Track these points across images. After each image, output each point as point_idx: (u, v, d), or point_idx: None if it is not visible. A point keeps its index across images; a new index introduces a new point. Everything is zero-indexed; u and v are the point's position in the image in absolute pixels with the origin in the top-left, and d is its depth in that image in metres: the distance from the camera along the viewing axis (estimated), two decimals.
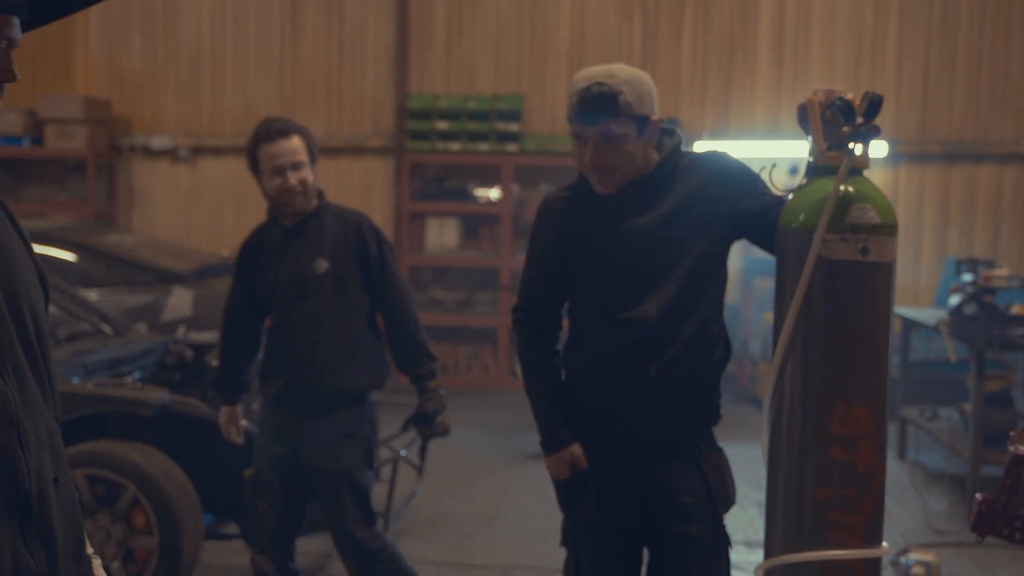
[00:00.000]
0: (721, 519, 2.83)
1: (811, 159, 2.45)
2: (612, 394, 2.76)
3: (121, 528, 4.09)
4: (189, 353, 5.08)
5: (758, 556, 4.91)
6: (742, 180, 2.74)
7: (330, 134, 9.37)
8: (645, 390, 2.73)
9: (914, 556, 4.68)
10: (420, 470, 5.21)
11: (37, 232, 6.94)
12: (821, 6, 8.98)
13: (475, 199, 9.14)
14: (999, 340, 5.56)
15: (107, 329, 5.19)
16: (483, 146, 9.02)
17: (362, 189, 9.49)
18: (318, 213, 3.65)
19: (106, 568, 1.80)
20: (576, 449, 2.80)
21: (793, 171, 7.67)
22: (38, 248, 1.70)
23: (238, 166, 9.60)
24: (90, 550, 1.74)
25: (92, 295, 6.52)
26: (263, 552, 3.65)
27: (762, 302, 8.18)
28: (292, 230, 3.64)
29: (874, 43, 8.94)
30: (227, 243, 8.94)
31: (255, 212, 3.77)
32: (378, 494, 4.91)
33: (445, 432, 3.83)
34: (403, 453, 4.72)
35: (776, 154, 8.18)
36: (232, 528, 4.66)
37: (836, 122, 2.41)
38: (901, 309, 6.87)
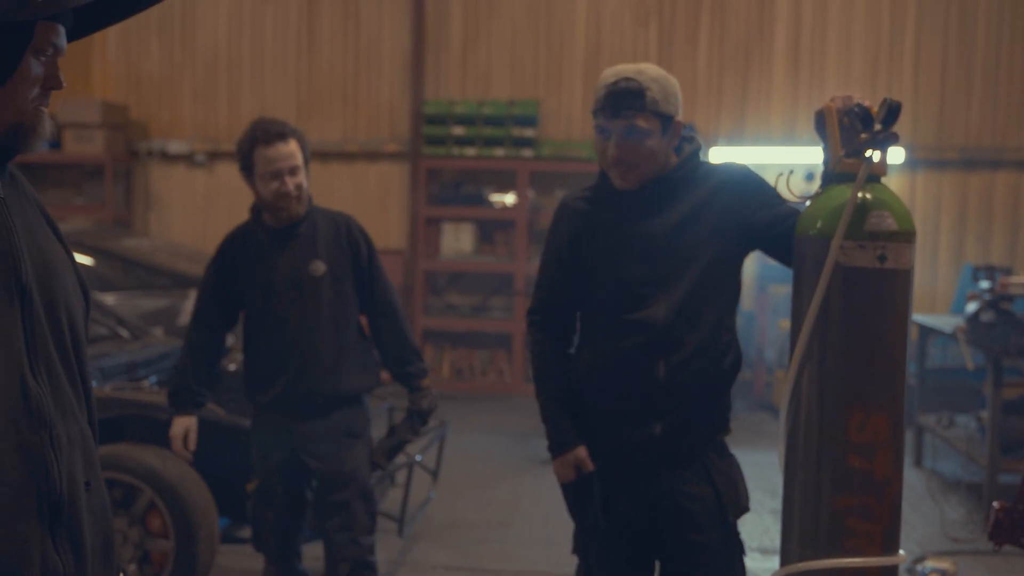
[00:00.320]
0: (733, 526, 2.82)
1: (826, 166, 2.45)
2: (618, 396, 2.77)
3: (138, 531, 4.11)
4: None
5: (774, 563, 4.90)
6: (757, 190, 2.75)
7: (346, 139, 9.40)
8: (651, 393, 2.73)
9: (930, 564, 4.66)
10: (435, 475, 5.22)
11: None
12: (838, 12, 8.96)
13: (491, 204, 9.15)
14: (1016, 347, 5.53)
15: (124, 333, 5.21)
16: (499, 151, 9.04)
17: (378, 194, 9.51)
18: (310, 216, 3.59)
19: (122, 571, 1.82)
20: (582, 452, 2.81)
21: (809, 177, 7.64)
22: None
23: None
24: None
25: (109, 299, 6.55)
26: (274, 561, 3.64)
27: (777, 309, 8.16)
28: (283, 233, 3.57)
29: (891, 49, 8.91)
30: None
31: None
32: (393, 499, 4.93)
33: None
34: (418, 458, 4.73)
35: (792, 160, 8.17)
36: (247, 532, 4.68)
37: (854, 129, 2.40)
38: (918, 316, 6.84)
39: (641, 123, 2.66)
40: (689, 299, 2.71)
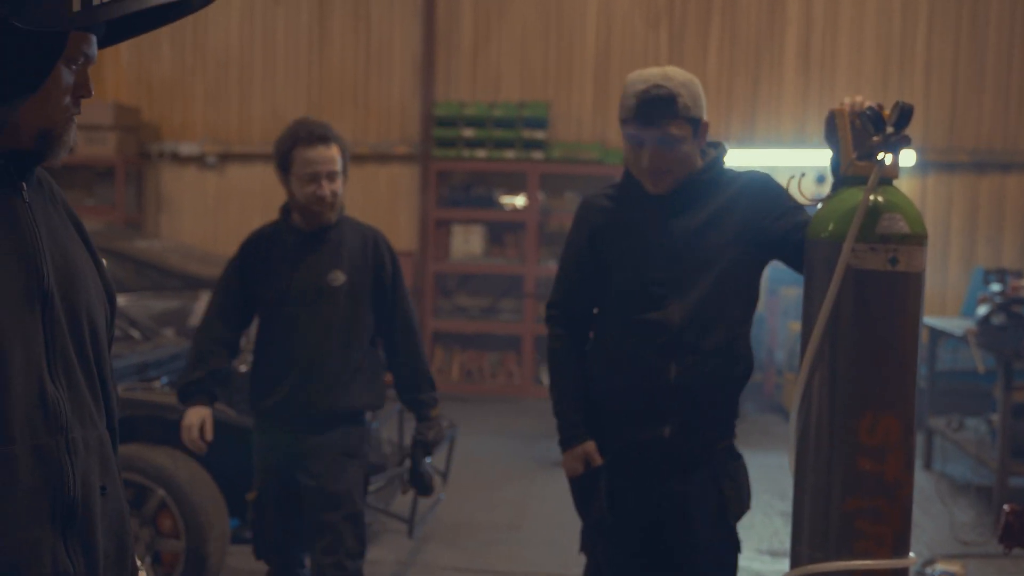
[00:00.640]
0: (733, 527, 2.86)
1: (836, 169, 2.45)
2: (629, 396, 2.80)
3: (148, 532, 4.12)
4: None
5: (783, 566, 4.89)
6: (777, 199, 2.77)
7: (357, 141, 9.41)
8: (662, 395, 2.75)
9: (940, 567, 4.65)
10: (445, 477, 5.22)
11: None
12: (849, 14, 8.95)
13: (501, 206, 9.15)
14: None
15: (135, 334, 5.23)
16: (509, 153, 9.04)
17: (388, 196, 9.52)
18: (339, 224, 3.52)
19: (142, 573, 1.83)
20: (590, 446, 2.84)
21: (820, 180, 7.64)
22: None
23: (266, 173, 9.66)
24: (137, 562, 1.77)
25: (121, 300, 6.57)
26: (277, 571, 3.57)
27: (788, 311, 8.15)
28: (310, 237, 3.49)
29: (902, 51, 8.90)
30: None
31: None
32: (403, 500, 4.93)
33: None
34: (427, 460, 4.73)
35: (803, 163, 8.16)
36: None
37: (866, 131, 2.40)
38: (928, 319, 6.83)
39: (675, 130, 2.68)
40: (704, 303, 2.73)
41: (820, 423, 2.40)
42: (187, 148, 9.75)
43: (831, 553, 2.37)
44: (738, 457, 2.90)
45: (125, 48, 9.82)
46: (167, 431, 4.25)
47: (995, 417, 6.01)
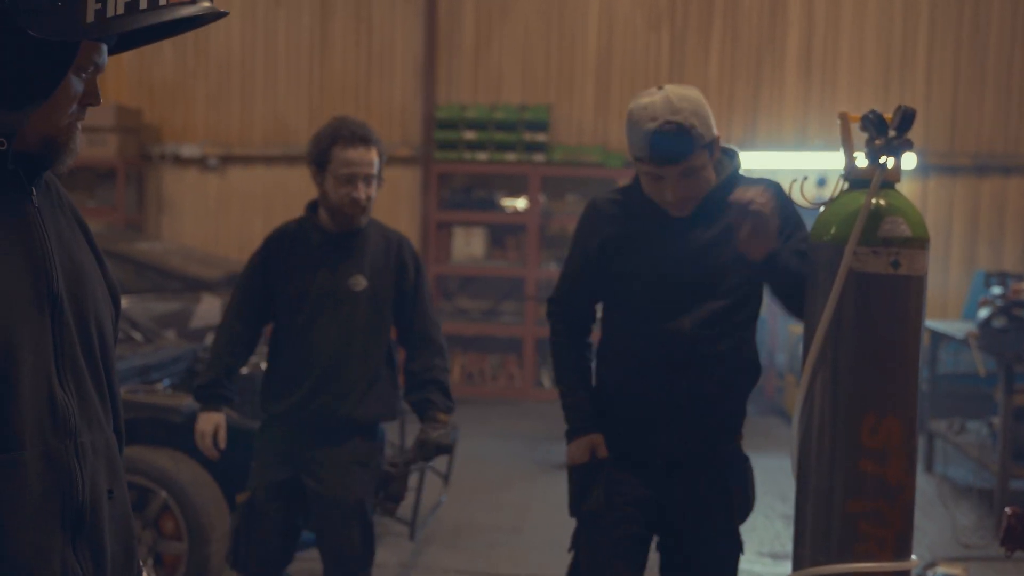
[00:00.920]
0: (736, 528, 2.89)
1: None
2: (639, 401, 2.81)
3: (151, 534, 4.13)
4: None
5: (784, 568, 4.90)
6: (784, 218, 2.73)
7: None
8: (672, 402, 2.77)
9: (941, 570, 4.65)
10: (446, 479, 5.22)
11: None
12: (850, 17, 8.95)
13: (502, 209, 9.16)
14: None
15: (137, 336, 5.24)
16: (510, 156, 9.05)
17: (389, 198, 9.52)
18: (365, 226, 3.43)
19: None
20: (598, 437, 2.86)
21: (821, 183, 7.64)
22: None
23: (267, 175, 9.68)
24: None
25: (122, 302, 6.57)
26: None
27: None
28: (334, 239, 3.40)
29: (903, 54, 8.90)
30: None
31: (283, 221, 3.62)
32: (404, 502, 4.93)
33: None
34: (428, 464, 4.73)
35: (804, 166, 8.16)
36: None
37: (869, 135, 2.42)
38: (929, 322, 6.83)
39: (695, 162, 2.66)
40: (715, 314, 2.74)
41: (822, 425, 2.41)
42: (188, 150, 9.75)
43: (833, 555, 2.38)
44: (745, 459, 2.93)
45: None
46: (169, 433, 4.25)
47: (996, 420, 6.01)
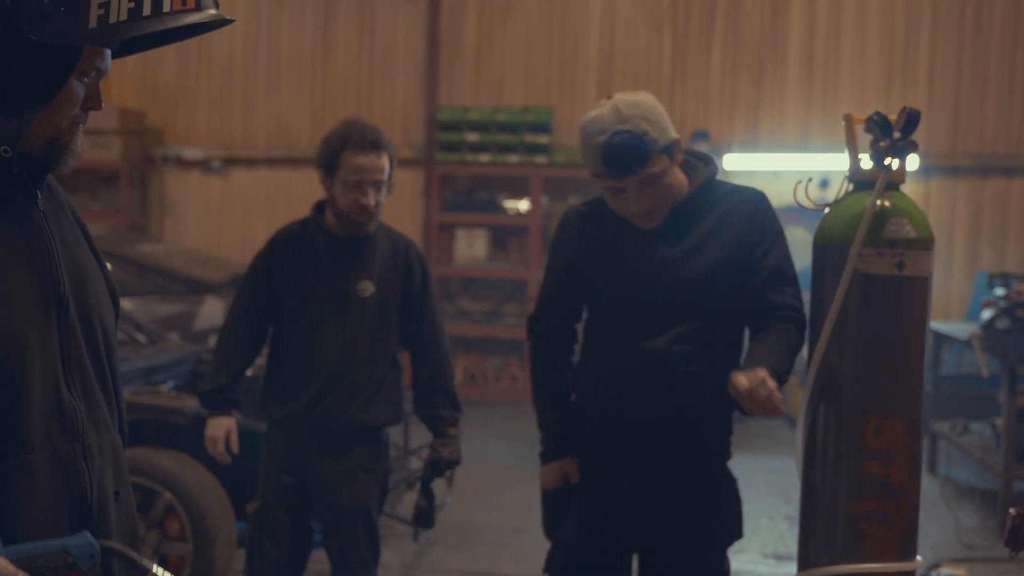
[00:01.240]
0: (722, 552, 2.74)
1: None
2: (617, 418, 2.69)
3: (156, 535, 4.13)
4: None
5: (789, 570, 4.90)
6: (763, 232, 2.64)
7: None
8: (645, 421, 2.65)
9: (945, 571, 4.66)
10: (449, 481, 5.22)
11: None
12: (852, 18, 8.96)
13: (504, 211, 9.16)
14: None
15: (141, 338, 5.25)
16: (512, 158, 9.06)
17: (391, 200, 9.41)
18: (373, 232, 3.39)
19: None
20: (570, 463, 2.77)
21: (824, 184, 7.65)
22: None
23: (270, 178, 9.69)
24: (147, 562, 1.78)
25: (125, 304, 6.57)
26: None
27: None
28: (341, 243, 3.35)
29: (905, 55, 8.91)
30: None
31: (286, 223, 3.57)
32: (408, 504, 4.94)
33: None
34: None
35: (806, 167, 8.16)
36: None
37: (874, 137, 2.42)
38: (932, 323, 6.82)
39: (653, 169, 2.52)
40: (690, 331, 2.61)
41: (826, 427, 2.42)
42: (191, 153, 9.76)
43: (837, 556, 2.38)
44: (731, 481, 2.78)
45: None
46: (174, 435, 4.26)
47: (999, 421, 6.01)
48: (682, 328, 2.60)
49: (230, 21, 1.60)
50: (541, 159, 9.02)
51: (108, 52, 1.60)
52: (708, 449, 2.72)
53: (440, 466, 3.38)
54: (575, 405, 2.82)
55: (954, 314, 8.51)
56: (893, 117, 2.42)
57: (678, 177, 2.62)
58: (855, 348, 2.38)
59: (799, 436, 2.48)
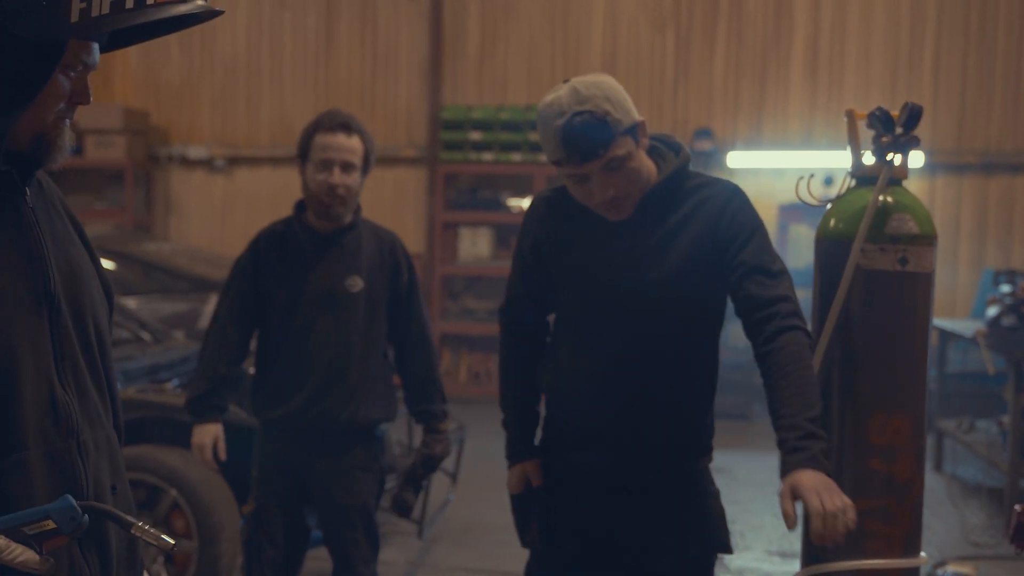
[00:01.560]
0: (705, 568, 2.54)
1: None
2: (579, 418, 2.52)
3: (161, 532, 4.14)
4: None
5: (792, 567, 4.89)
6: (733, 227, 2.38)
7: None
8: (608, 422, 2.46)
9: (951, 569, 4.65)
10: (454, 478, 5.23)
11: None
12: (857, 15, 8.94)
13: (507, 209, 9.17)
14: None
15: (146, 336, 5.25)
16: (516, 156, 9.06)
17: (395, 199, 9.54)
18: (356, 226, 3.34)
19: (147, 572, 1.84)
20: (531, 466, 2.63)
21: (828, 182, 7.64)
22: None
23: (273, 176, 9.69)
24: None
25: (130, 303, 6.60)
26: None
27: None
28: (325, 239, 3.31)
29: (911, 52, 8.89)
30: None
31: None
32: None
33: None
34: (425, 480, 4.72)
35: (810, 164, 8.15)
36: None
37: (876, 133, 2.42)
38: (938, 320, 6.81)
39: (618, 151, 2.30)
40: (655, 326, 2.41)
41: (830, 424, 2.41)
42: (195, 151, 9.78)
43: (841, 552, 2.37)
44: (709, 486, 2.55)
45: (134, 52, 9.86)
46: (179, 432, 4.26)
47: (1006, 419, 6.00)
48: (646, 327, 2.41)
49: (219, 12, 1.59)
50: (544, 157, 9.00)
51: (95, 46, 1.58)
52: (682, 454, 2.51)
53: (433, 462, 3.36)
54: (545, 408, 2.65)
55: (960, 312, 8.49)
56: (895, 113, 2.41)
57: (645, 163, 2.40)
58: (858, 344, 2.37)
59: None
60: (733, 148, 8.89)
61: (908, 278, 2.36)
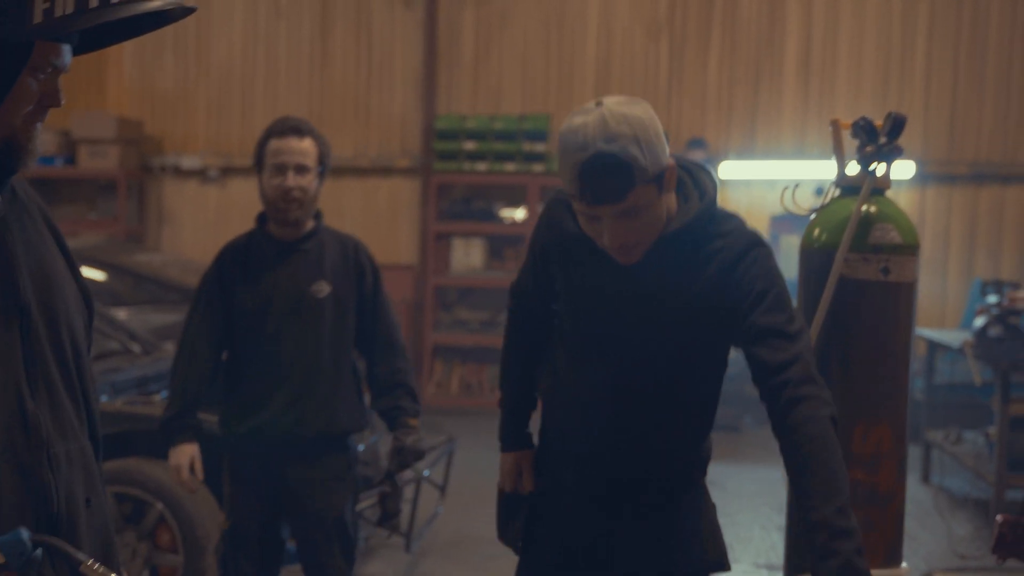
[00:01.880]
0: None
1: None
2: (573, 442, 2.43)
3: (146, 546, 4.12)
4: None
5: None
6: (752, 287, 2.16)
7: (358, 154, 9.44)
8: (604, 452, 2.37)
9: None
10: (443, 490, 5.22)
11: None
12: (848, 26, 8.98)
13: (501, 220, 9.17)
14: None
15: (135, 348, 5.23)
16: (510, 166, 9.06)
17: (389, 209, 9.54)
18: (318, 232, 3.33)
19: None
20: (525, 455, 2.57)
21: (819, 192, 7.65)
22: None
23: None
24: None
25: (121, 313, 6.59)
26: None
27: None
28: (288, 247, 3.29)
29: (902, 63, 8.92)
30: None
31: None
32: (401, 515, 4.94)
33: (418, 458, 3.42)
34: (426, 473, 4.73)
35: (802, 175, 8.17)
36: None
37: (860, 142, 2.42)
38: (926, 331, 6.83)
39: (636, 200, 2.08)
40: (652, 371, 2.29)
41: None
42: (189, 161, 9.78)
43: None
44: (706, 504, 2.45)
45: (128, 61, 9.87)
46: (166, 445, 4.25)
47: (993, 430, 6.00)
48: (646, 370, 2.29)
49: (192, 9, 1.56)
50: (538, 167, 9.03)
51: (64, 48, 1.55)
52: (674, 483, 2.42)
53: (405, 455, 3.29)
54: (541, 417, 2.57)
55: (949, 322, 8.50)
56: (880, 123, 2.42)
57: (666, 206, 2.19)
58: (840, 354, 2.38)
59: None
60: (726, 158, 8.91)
61: (891, 288, 2.36)
